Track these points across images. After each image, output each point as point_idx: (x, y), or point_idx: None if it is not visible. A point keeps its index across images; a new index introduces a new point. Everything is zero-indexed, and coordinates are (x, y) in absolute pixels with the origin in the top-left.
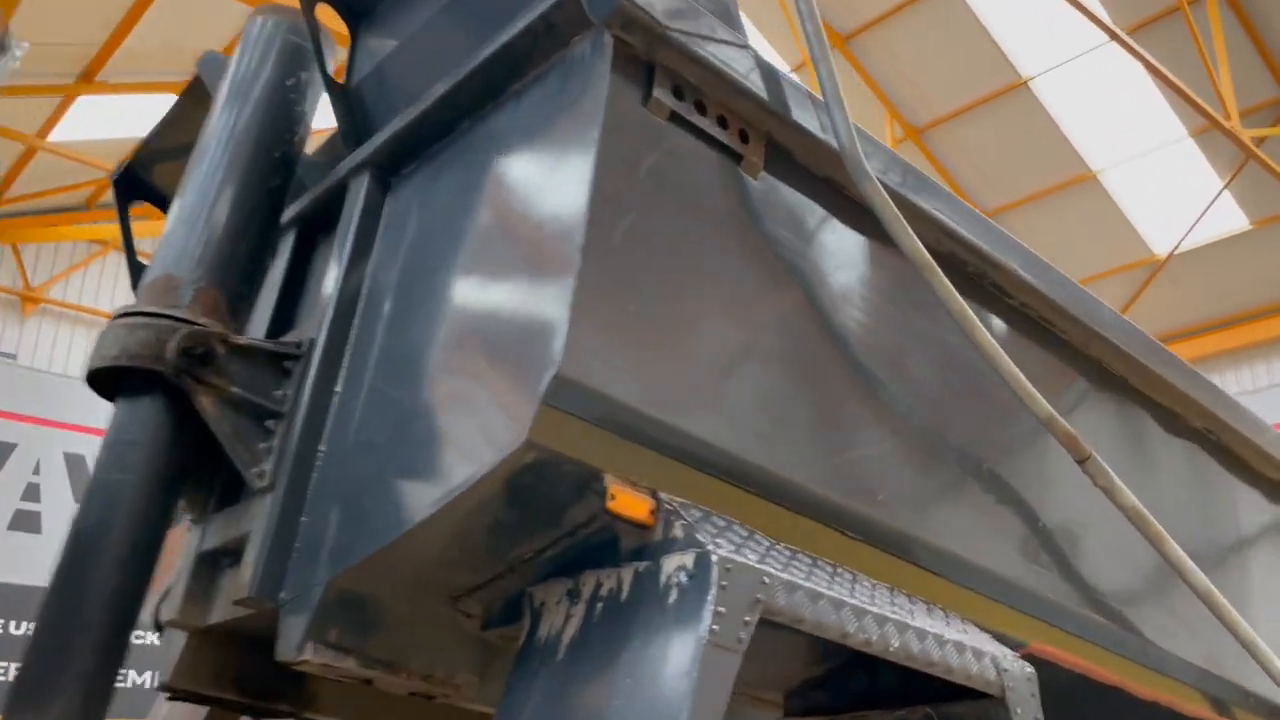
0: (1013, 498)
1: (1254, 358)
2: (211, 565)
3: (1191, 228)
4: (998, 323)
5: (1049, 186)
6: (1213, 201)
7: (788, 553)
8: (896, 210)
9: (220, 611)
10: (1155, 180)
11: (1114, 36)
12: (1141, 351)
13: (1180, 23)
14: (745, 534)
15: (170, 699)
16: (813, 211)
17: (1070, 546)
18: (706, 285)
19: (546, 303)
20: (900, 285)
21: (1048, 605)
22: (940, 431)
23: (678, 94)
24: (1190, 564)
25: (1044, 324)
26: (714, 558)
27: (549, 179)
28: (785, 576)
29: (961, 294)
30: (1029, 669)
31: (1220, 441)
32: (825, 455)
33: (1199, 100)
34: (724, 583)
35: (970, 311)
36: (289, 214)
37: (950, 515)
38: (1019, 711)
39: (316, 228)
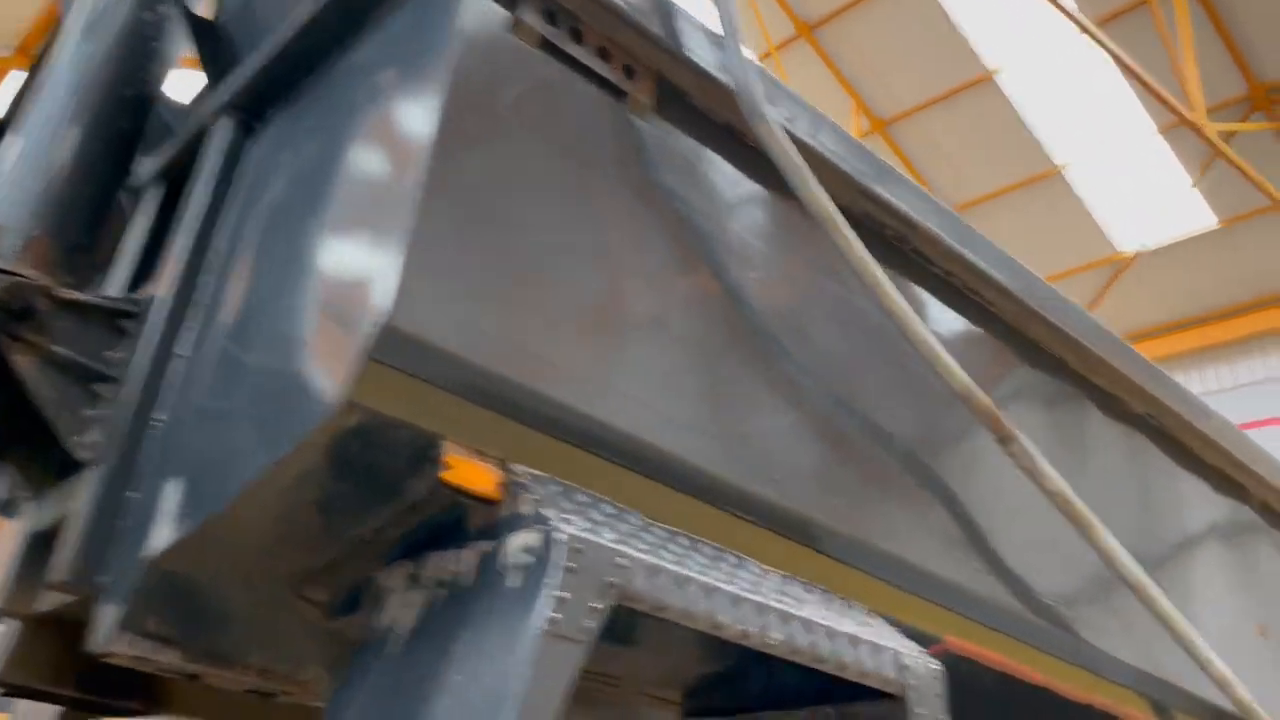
0: (929, 481)
1: (1220, 358)
2: (41, 547)
3: (1159, 225)
4: (920, 293)
5: (1015, 182)
6: (1181, 199)
7: (664, 534)
8: (797, 157)
9: (50, 599)
10: (1123, 177)
11: (1082, 29)
12: (1080, 331)
13: (1148, 16)
14: (613, 512)
15: (4, 694)
16: (709, 160)
17: (993, 535)
18: (579, 235)
19: (381, 247)
20: (808, 246)
21: (966, 598)
22: (848, 405)
23: (550, 18)
24: (1123, 555)
25: (972, 296)
26: (559, 536)
27: (401, 112)
28: (648, 559)
29: (881, 261)
30: (935, 666)
31: (1163, 428)
32: (712, 427)
33: (1167, 95)
34: (570, 564)
35: (880, 272)
36: (156, 165)
37: (858, 498)
38: (920, 712)
39: (184, 179)
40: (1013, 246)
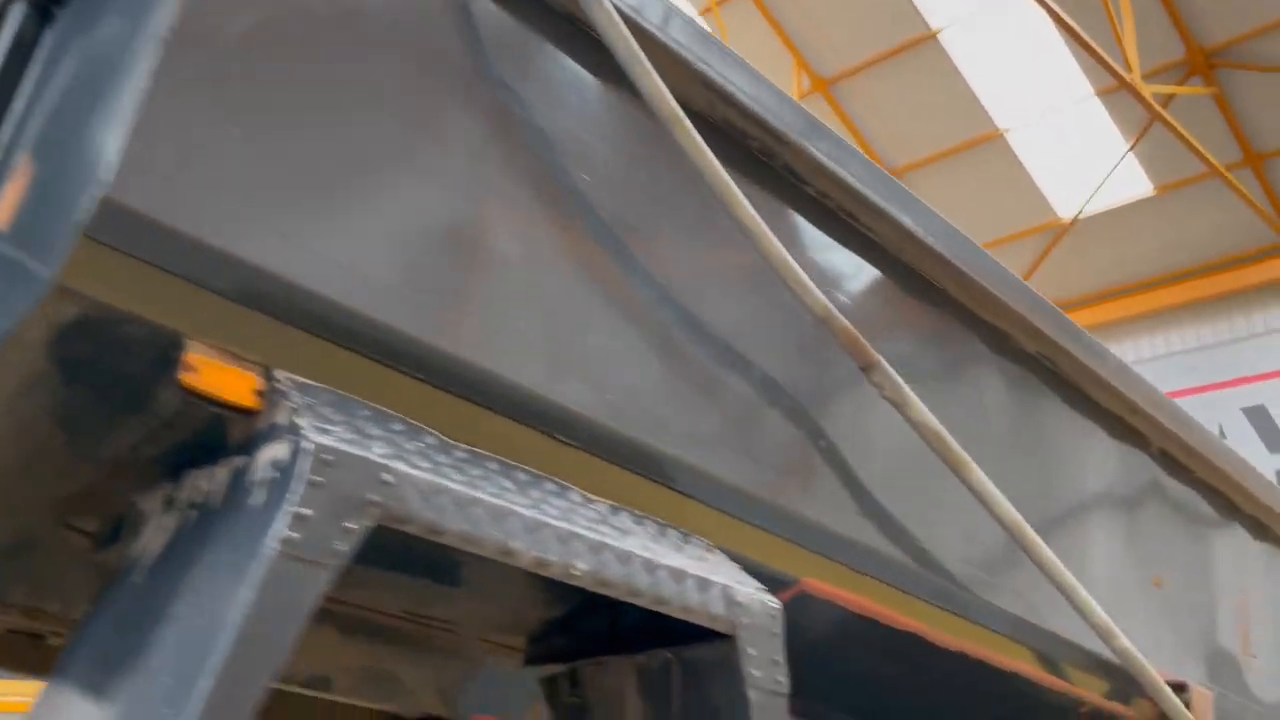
0: (787, 410)
1: (1154, 326)
2: None
3: (1095, 192)
4: (788, 213)
5: (956, 145)
6: (1117, 165)
7: (466, 455)
8: (633, 43)
9: None
10: (1062, 142)
11: None
12: (967, 262)
13: None
14: (402, 429)
15: None
16: (540, 48)
17: (857, 471)
18: (371, 113)
19: (115, 116)
20: (656, 149)
21: (828, 538)
22: (700, 327)
23: None
24: (998, 495)
25: (849, 220)
26: (306, 446)
27: None
28: (425, 477)
29: (745, 176)
30: (772, 604)
31: (1056, 369)
32: (532, 340)
33: (1105, 56)
34: (317, 478)
35: (728, 180)
36: None
37: (706, 426)
38: (752, 652)
39: None
40: (955, 210)
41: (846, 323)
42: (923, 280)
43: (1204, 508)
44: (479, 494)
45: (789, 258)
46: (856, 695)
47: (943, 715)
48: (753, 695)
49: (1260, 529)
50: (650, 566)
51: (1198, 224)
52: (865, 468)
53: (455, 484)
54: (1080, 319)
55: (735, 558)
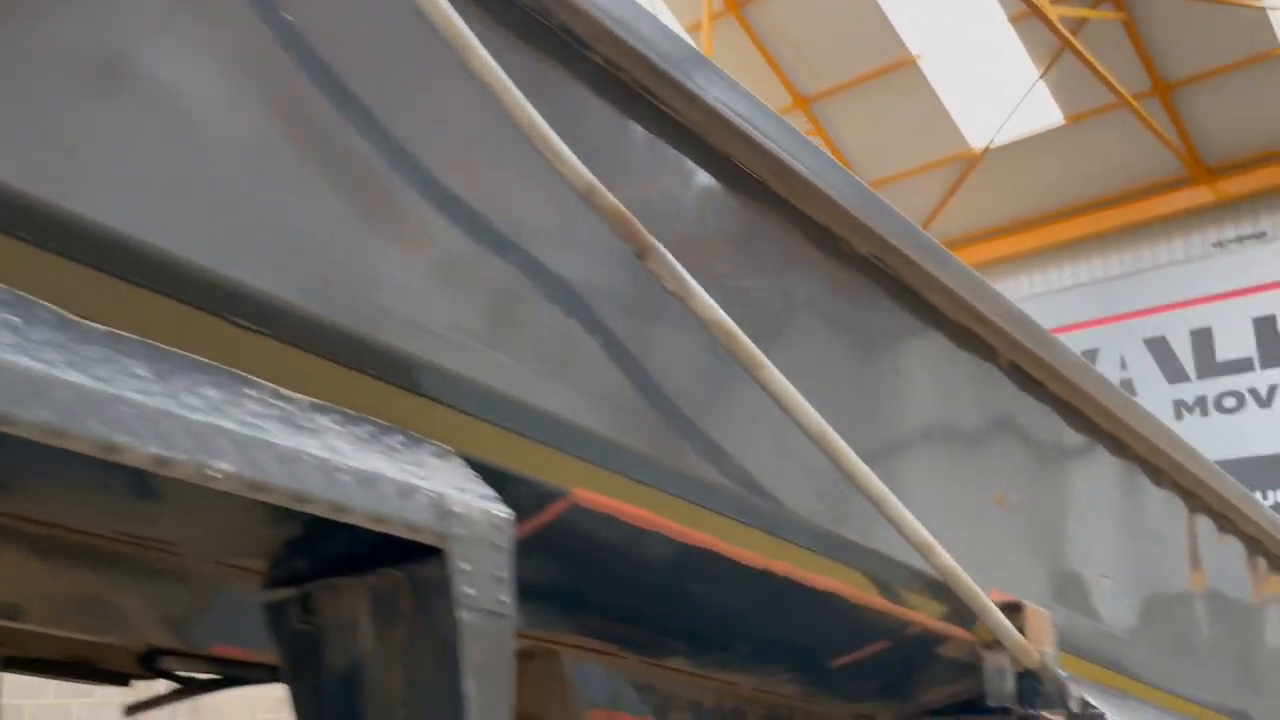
0: (553, 301)
1: (1061, 258)
2: None
3: (1006, 121)
4: (570, 82)
5: (869, 71)
6: (1027, 94)
7: (92, 335)
8: None
9: None
10: (974, 69)
11: None
12: (791, 152)
13: None
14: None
15: None
16: None
17: (636, 371)
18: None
19: None
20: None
21: (601, 444)
22: (434, 196)
23: None
24: (799, 399)
25: (641, 91)
26: None
27: None
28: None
29: (513, 35)
30: (499, 514)
31: (893, 274)
32: (195, 205)
33: None
34: None
35: (463, 26)
36: None
37: (447, 317)
38: (466, 567)
39: None
40: (868, 139)
41: (615, 201)
42: (735, 169)
43: (1057, 424)
44: (75, 377)
45: (541, 121)
46: (652, 614)
47: (751, 635)
48: (465, 616)
49: (1119, 447)
50: (328, 469)
51: (1106, 154)
52: (646, 367)
53: (36, 363)
54: (991, 251)
55: (491, 469)
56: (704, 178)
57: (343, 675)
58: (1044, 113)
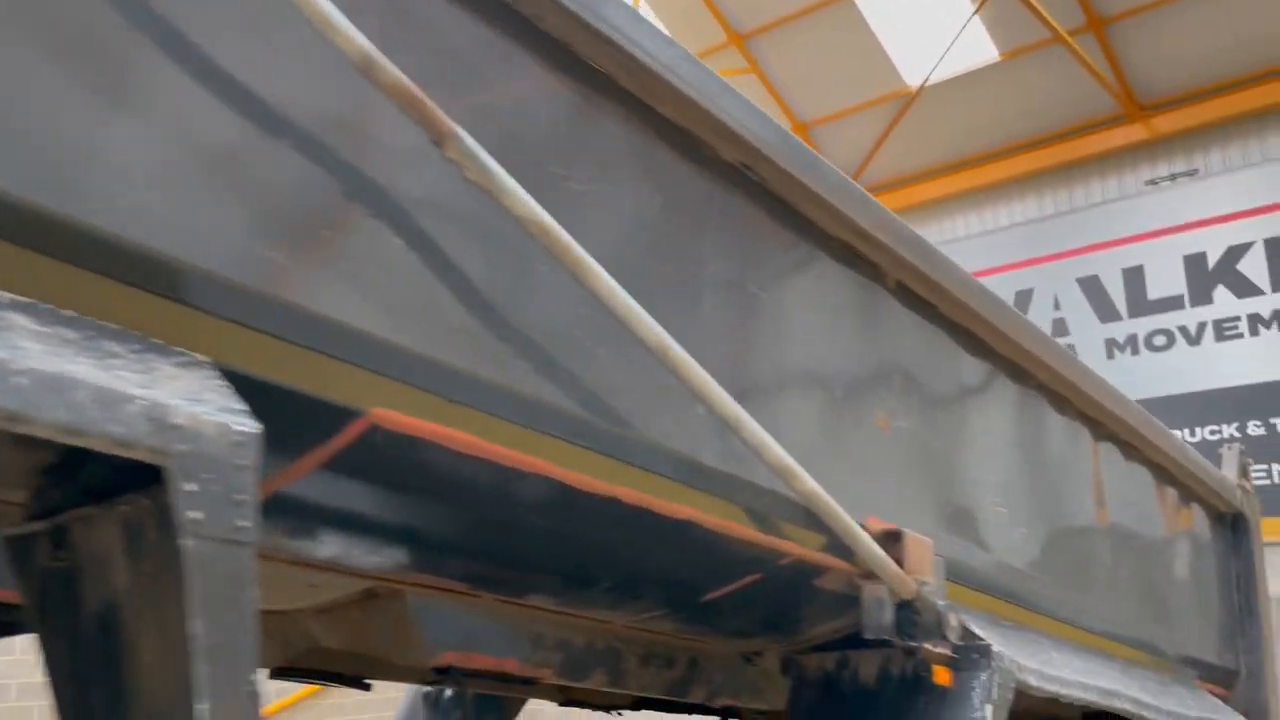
0: (335, 193)
1: (996, 198)
2: None
3: (941, 58)
4: None
5: (804, 7)
6: (962, 29)
7: None
8: None
9: None
10: (909, 4)
11: None
12: (644, 47)
13: None
14: None
15: None
16: None
17: (443, 273)
18: None
19: None
20: None
21: (403, 358)
22: (185, 70)
23: None
24: (635, 308)
25: None
26: None
27: None
28: None
29: None
30: (238, 429)
31: (764, 185)
32: None
33: None
34: None
35: None
36: None
37: (199, 213)
38: (190, 488)
39: None
40: (803, 77)
41: (400, 76)
42: (573, 57)
43: (949, 346)
44: None
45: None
46: (497, 548)
47: (612, 569)
48: (191, 544)
49: (1017, 372)
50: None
51: (1042, 92)
52: (455, 270)
53: None
54: (926, 192)
55: (272, 386)
56: (532, 64)
57: (98, 617)
58: (979, 49)
